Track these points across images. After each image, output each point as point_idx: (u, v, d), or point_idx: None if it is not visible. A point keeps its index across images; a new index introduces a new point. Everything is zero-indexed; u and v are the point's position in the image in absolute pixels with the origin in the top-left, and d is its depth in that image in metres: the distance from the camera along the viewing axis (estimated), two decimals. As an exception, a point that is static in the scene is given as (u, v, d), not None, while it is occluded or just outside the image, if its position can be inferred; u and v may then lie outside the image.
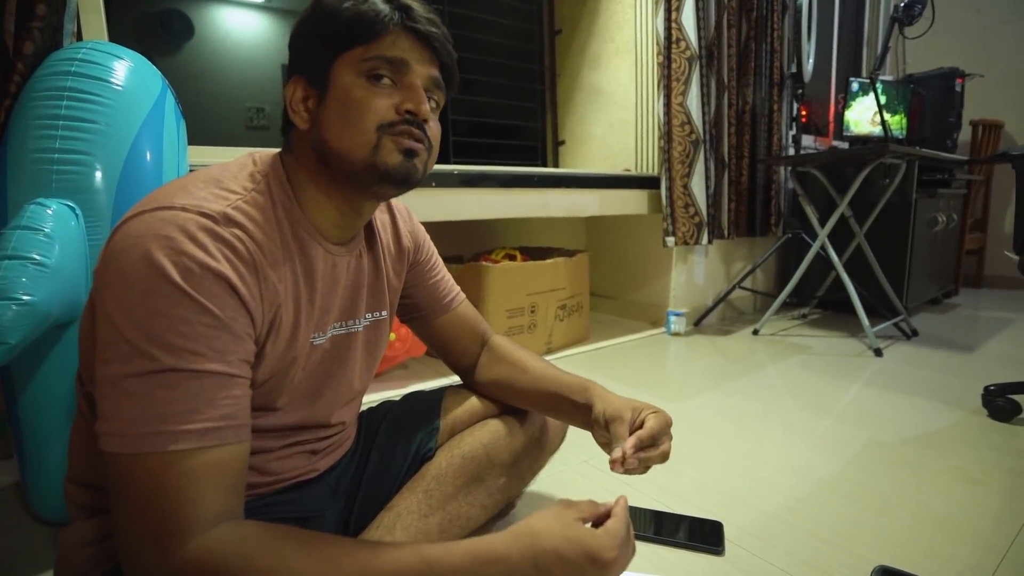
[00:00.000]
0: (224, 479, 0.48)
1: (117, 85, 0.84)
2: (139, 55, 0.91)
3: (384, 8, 0.58)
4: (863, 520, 0.95)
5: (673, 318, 2.22)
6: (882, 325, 2.07)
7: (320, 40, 0.59)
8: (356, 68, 0.58)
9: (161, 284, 0.47)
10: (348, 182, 0.60)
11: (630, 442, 0.68)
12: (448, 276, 0.89)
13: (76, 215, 0.78)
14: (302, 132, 0.61)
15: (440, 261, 0.88)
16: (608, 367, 1.83)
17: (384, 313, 0.76)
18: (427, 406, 0.90)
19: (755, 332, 2.23)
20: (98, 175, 0.80)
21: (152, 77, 0.92)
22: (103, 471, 0.49)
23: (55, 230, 0.74)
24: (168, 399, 0.46)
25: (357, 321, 0.72)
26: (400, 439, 0.85)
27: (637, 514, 0.95)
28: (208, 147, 1.71)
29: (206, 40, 1.98)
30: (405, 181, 0.60)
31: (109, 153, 0.81)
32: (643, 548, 0.88)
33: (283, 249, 0.58)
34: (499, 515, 0.94)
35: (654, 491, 1.04)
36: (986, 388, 1.39)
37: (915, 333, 2.14)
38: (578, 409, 0.81)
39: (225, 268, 0.50)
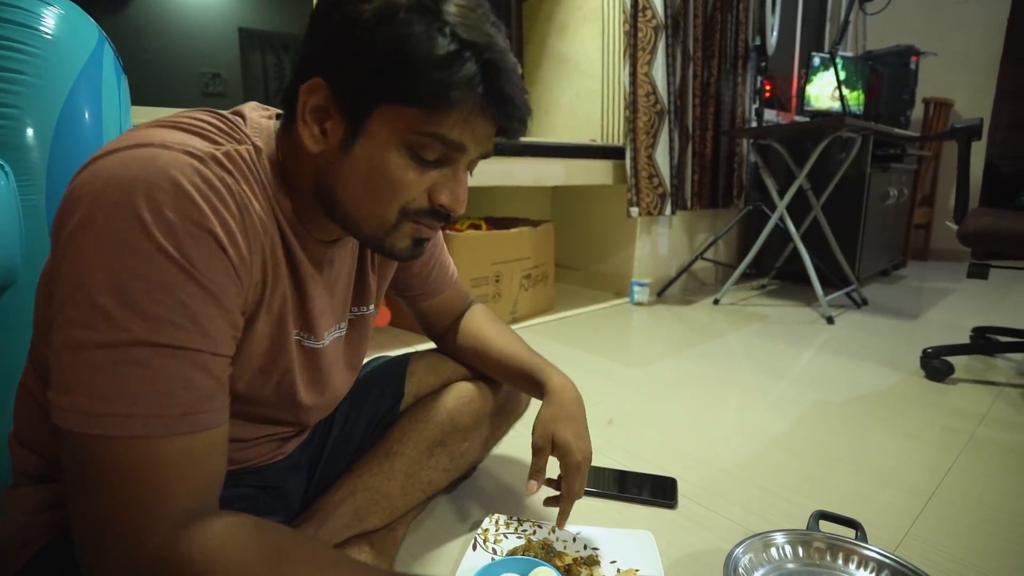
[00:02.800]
0: (199, 468, 0.43)
1: (47, 34, 0.78)
2: (71, 3, 0.85)
3: (469, 71, 0.46)
4: (808, 473, 1.01)
5: (637, 288, 2.26)
6: (835, 294, 2.15)
7: (371, 72, 0.46)
8: (402, 134, 0.48)
9: (139, 239, 0.39)
10: (343, 227, 0.55)
11: (559, 514, 0.75)
12: (446, 260, 0.85)
13: (5, 173, 0.73)
14: (308, 150, 0.50)
15: (441, 245, 0.83)
16: (573, 336, 1.85)
17: (371, 307, 0.72)
18: (393, 371, 0.89)
19: (716, 302, 2.29)
20: (29, 131, 0.75)
21: (87, 27, 0.86)
22: (56, 442, 0.43)
23: (-16, 188, 0.70)
24: (140, 377, 0.40)
25: (342, 324, 0.68)
26: (364, 405, 0.85)
27: (599, 473, 0.98)
28: (159, 108, 1.62)
29: (152, 1, 1.86)
30: (409, 261, 0.58)
31: (40, 107, 0.76)
32: (601, 504, 0.91)
33: (271, 226, 0.51)
34: (462, 476, 0.95)
35: (615, 453, 1.07)
36: (924, 351, 1.47)
37: (865, 302, 2.24)
38: (534, 389, 0.81)
39: (214, 223, 0.43)
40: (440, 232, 0.83)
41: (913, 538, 0.82)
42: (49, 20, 0.79)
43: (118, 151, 0.42)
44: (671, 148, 2.23)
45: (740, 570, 0.65)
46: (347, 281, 0.67)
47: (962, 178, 1.40)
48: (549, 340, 1.80)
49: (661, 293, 2.42)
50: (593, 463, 1.00)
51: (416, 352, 0.92)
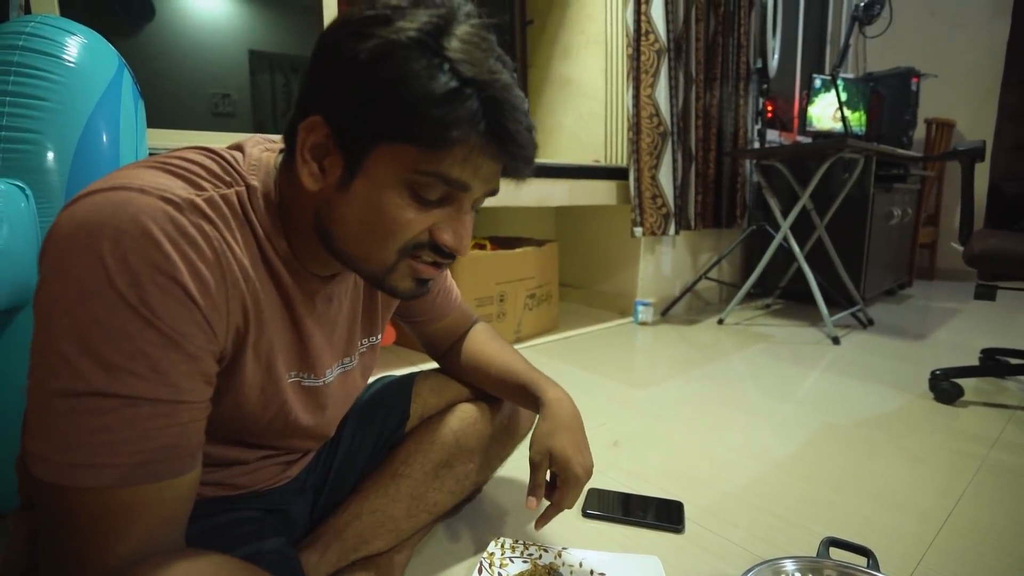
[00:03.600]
0: (155, 516, 0.43)
1: (69, 62, 0.80)
2: (93, 32, 0.88)
3: (470, 108, 0.44)
4: (816, 497, 1.00)
5: (641, 308, 2.26)
6: (840, 315, 2.15)
7: (369, 110, 0.45)
8: (402, 173, 0.47)
9: (102, 287, 0.39)
10: (343, 265, 0.54)
11: (539, 517, 0.75)
12: (449, 285, 0.85)
13: (26, 195, 0.75)
14: (307, 188, 0.49)
15: (447, 271, 0.82)
16: (577, 356, 1.85)
17: (379, 336, 0.72)
18: (398, 393, 0.89)
19: (720, 321, 2.29)
20: (50, 155, 0.78)
21: (107, 55, 0.88)
22: None
23: (3, 210, 0.71)
24: (97, 427, 0.39)
25: (356, 354, 0.68)
26: (370, 426, 0.85)
27: (604, 496, 0.97)
28: (170, 131, 1.66)
29: (167, 22, 1.91)
30: (412, 300, 0.58)
31: (61, 132, 0.78)
32: (607, 527, 0.90)
33: (259, 270, 0.51)
34: (466, 499, 0.95)
35: (620, 475, 1.07)
36: (932, 373, 1.46)
37: (871, 322, 2.23)
38: (532, 404, 0.80)
39: (181, 272, 0.42)
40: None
41: (927, 567, 0.81)
42: (72, 49, 0.82)
43: (96, 193, 0.42)
44: (674, 169, 2.25)
45: (749, 598, 0.65)
46: (352, 316, 0.66)
47: (966, 200, 1.41)
48: (553, 360, 1.80)
49: (665, 313, 2.41)
50: (599, 486, 1.00)
51: (421, 372, 0.92)
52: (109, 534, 0.41)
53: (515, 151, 0.48)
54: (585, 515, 0.93)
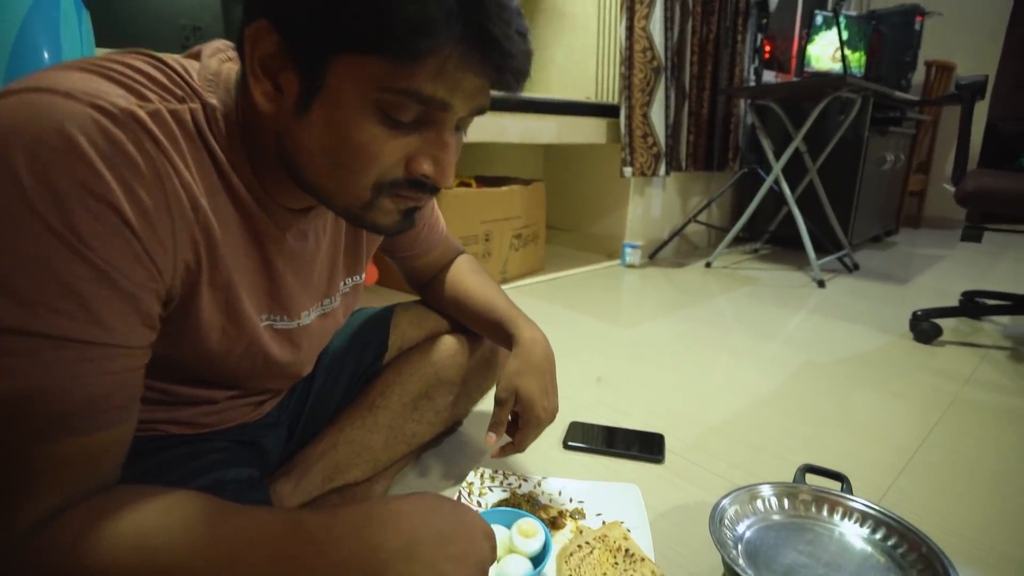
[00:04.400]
0: (78, 473, 0.38)
1: (-5, -45, 0.72)
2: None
3: (443, 6, 0.37)
4: (795, 430, 1.01)
5: (628, 250, 2.23)
6: (827, 259, 2.14)
7: (323, 12, 0.37)
8: (369, 92, 0.39)
9: (17, 209, 0.32)
10: (316, 199, 0.48)
11: (496, 448, 0.74)
12: (435, 218, 0.80)
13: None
14: (261, 109, 0.42)
15: (431, 203, 0.77)
16: (563, 296, 1.83)
17: (362, 275, 0.68)
18: (376, 324, 0.87)
19: (708, 265, 2.28)
20: (-20, 62, 0.70)
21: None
22: None
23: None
24: (12, 370, 0.33)
25: (337, 295, 0.64)
26: (347, 359, 0.82)
27: (585, 429, 0.97)
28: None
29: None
30: (398, 235, 0.52)
31: (-9, 36, 0.71)
32: (589, 459, 0.90)
33: (218, 201, 0.44)
34: (446, 431, 0.94)
35: (603, 410, 1.07)
36: (913, 313, 1.46)
37: (856, 267, 2.24)
38: (506, 341, 0.78)
39: (117, 195, 0.35)
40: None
41: (896, 491, 0.83)
42: (-5, -62, 0.73)
43: (10, 94, 0.34)
44: (667, 107, 2.17)
45: (726, 522, 0.65)
46: (332, 254, 0.61)
47: (963, 137, 1.37)
48: (539, 300, 1.78)
49: (653, 256, 2.39)
50: (581, 420, 1.00)
51: (400, 304, 0.89)
52: (22, 493, 0.36)
53: (502, 61, 0.40)
54: (566, 447, 0.93)
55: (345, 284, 0.66)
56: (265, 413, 0.71)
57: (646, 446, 0.92)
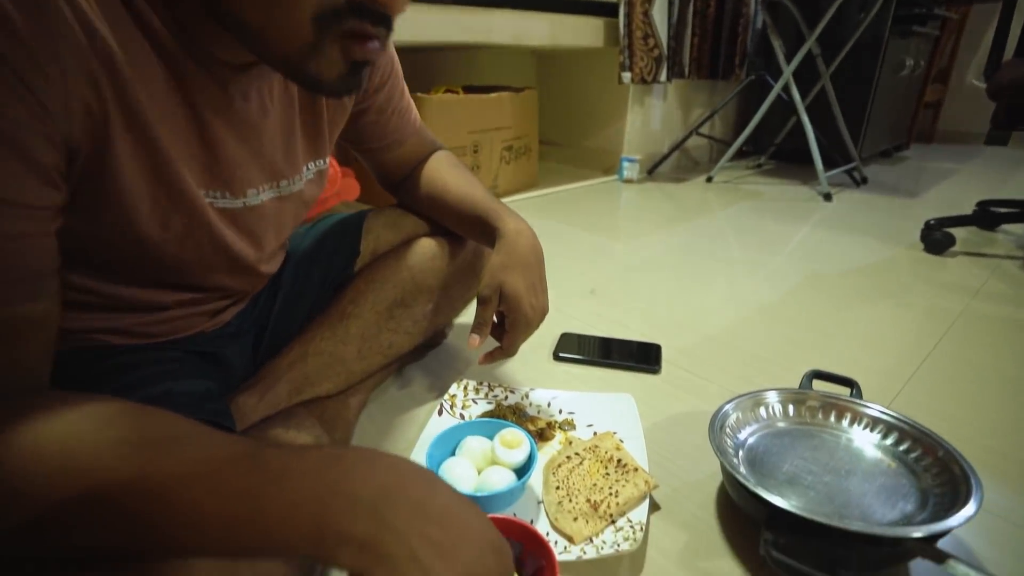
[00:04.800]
0: None
1: None
2: None
3: None
4: (798, 339, 0.95)
5: (626, 164, 2.11)
6: (834, 171, 2.03)
7: None
8: None
9: None
10: (249, 49, 0.40)
11: (481, 352, 0.69)
12: (406, 105, 0.71)
13: None
14: None
15: (400, 88, 0.69)
16: (556, 211, 1.74)
17: (326, 161, 0.61)
18: (346, 228, 0.79)
19: (709, 179, 2.17)
20: None
21: None
22: None
23: None
24: None
25: (297, 178, 0.57)
26: (315, 266, 0.75)
27: (576, 340, 0.92)
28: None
29: None
30: (343, 95, 0.43)
31: None
32: (581, 371, 0.85)
33: (128, 37, 0.37)
34: (429, 344, 0.89)
35: (596, 321, 1.01)
36: (926, 223, 1.38)
37: (864, 180, 2.13)
38: (488, 238, 0.70)
39: None
40: (396, 67, 0.68)
41: (905, 398, 0.78)
42: None
43: None
44: (670, 4, 1.98)
45: (727, 428, 0.60)
46: (287, 128, 0.53)
47: (1003, 25, 1.23)
48: (531, 215, 1.66)
49: (652, 171, 2.27)
50: (575, 331, 0.95)
51: (373, 209, 0.81)
52: None
53: None
54: (556, 358, 0.88)
55: (308, 169, 0.58)
56: (225, 322, 0.64)
57: (642, 356, 0.87)
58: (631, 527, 0.54)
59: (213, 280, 0.57)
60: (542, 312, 0.66)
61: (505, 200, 1.83)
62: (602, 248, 1.43)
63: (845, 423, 0.62)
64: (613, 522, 0.55)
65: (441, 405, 0.73)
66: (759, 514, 0.50)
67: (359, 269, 0.77)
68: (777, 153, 2.49)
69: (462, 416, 0.73)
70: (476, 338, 0.65)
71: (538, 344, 0.92)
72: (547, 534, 0.55)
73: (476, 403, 0.75)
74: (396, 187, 0.80)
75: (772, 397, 0.64)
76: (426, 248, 0.77)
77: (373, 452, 0.34)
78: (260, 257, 0.59)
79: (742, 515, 0.57)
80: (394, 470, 0.33)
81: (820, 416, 0.63)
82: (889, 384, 0.82)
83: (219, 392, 0.63)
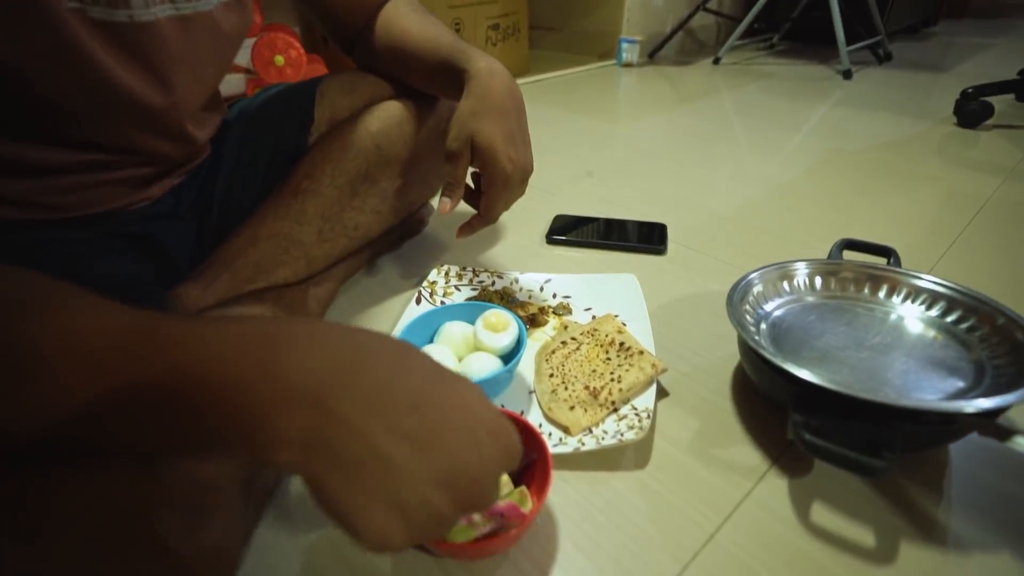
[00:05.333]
0: None
1: None
2: None
3: None
4: (818, 216, 0.85)
5: (625, 46, 1.91)
6: (856, 46, 1.83)
7: None
8: None
9: None
10: None
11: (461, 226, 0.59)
12: None
13: None
14: None
15: None
16: (551, 98, 1.57)
17: None
18: (295, 93, 0.67)
19: (716, 61, 1.97)
20: None
21: None
22: None
23: None
24: None
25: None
26: (261, 137, 0.63)
27: (572, 221, 0.81)
28: None
29: None
30: None
31: None
32: (577, 253, 0.76)
33: None
34: (404, 230, 0.78)
35: (594, 203, 0.90)
36: (962, 92, 1.24)
37: (889, 56, 1.93)
38: (455, 84, 0.57)
39: None
40: None
41: (943, 268, 0.70)
42: None
43: None
44: None
45: (749, 302, 0.51)
46: None
47: None
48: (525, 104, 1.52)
49: (653, 54, 2.06)
50: (572, 213, 0.84)
51: (328, 74, 0.68)
52: None
53: None
54: (550, 241, 0.78)
55: None
56: (155, 199, 0.54)
57: (645, 236, 0.77)
58: (636, 415, 0.47)
59: (120, 136, 0.47)
60: (523, 168, 0.55)
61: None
62: (600, 132, 1.29)
63: (882, 294, 0.53)
64: (615, 410, 0.48)
65: (419, 293, 0.65)
66: (786, 394, 0.42)
67: (314, 140, 0.65)
68: (792, 32, 2.26)
69: (443, 304, 0.64)
70: (447, 202, 0.55)
71: (530, 227, 0.82)
72: (539, 426, 0.48)
73: (459, 290, 0.67)
74: (352, 44, 0.67)
75: (801, 268, 0.55)
76: (391, 112, 0.65)
77: (323, 324, 0.26)
78: (172, 104, 0.47)
79: (763, 399, 0.50)
80: (349, 344, 0.25)
81: (853, 289, 0.55)
82: (923, 259, 0.73)
83: (155, 284, 0.54)
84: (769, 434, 0.47)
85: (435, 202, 0.79)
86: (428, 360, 0.27)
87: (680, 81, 1.77)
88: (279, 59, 1.35)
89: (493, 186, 0.54)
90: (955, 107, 1.25)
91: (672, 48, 2.12)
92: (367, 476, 0.22)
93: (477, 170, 0.56)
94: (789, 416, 0.41)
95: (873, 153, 1.11)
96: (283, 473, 0.45)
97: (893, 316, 0.52)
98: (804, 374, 0.40)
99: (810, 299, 0.54)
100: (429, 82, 0.63)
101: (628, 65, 1.93)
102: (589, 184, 0.97)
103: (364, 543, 0.22)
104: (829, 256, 0.58)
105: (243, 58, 1.38)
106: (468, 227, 0.59)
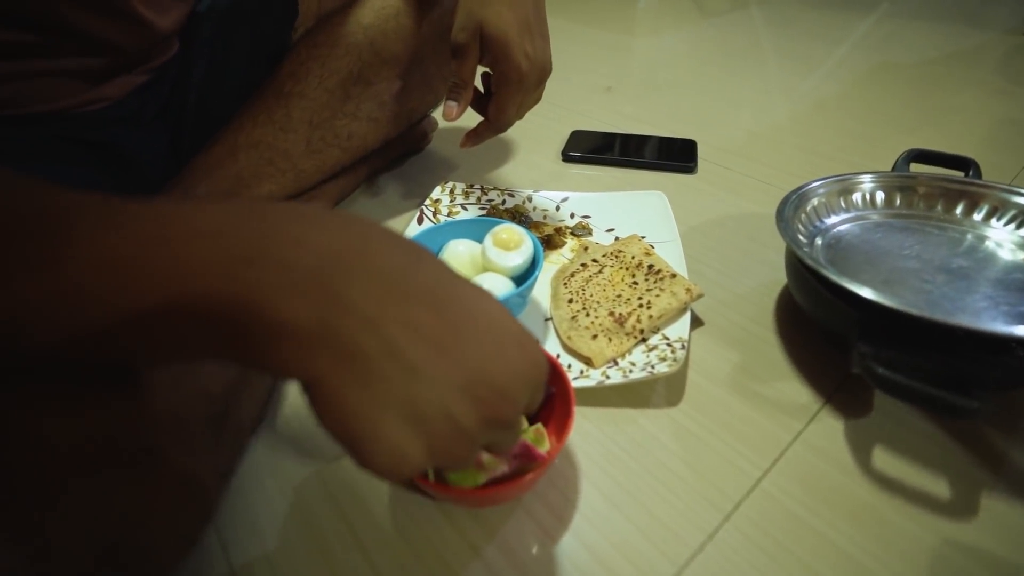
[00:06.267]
0: None
1: None
2: None
3: None
4: (867, 132, 0.76)
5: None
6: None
7: None
8: None
9: None
10: None
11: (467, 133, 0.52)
12: None
13: None
14: None
15: None
16: (562, 10, 1.42)
17: None
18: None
19: (749, -30, 1.78)
20: None
21: None
22: None
23: None
24: None
25: None
26: (238, 27, 0.55)
27: (591, 137, 0.73)
28: None
29: None
30: None
31: None
32: (597, 172, 0.68)
33: None
34: (406, 145, 0.70)
35: (615, 118, 0.81)
36: (1037, -5, 1.10)
37: (942, -37, 1.73)
38: None
39: None
40: None
41: None
42: None
43: None
44: None
45: (799, 223, 0.44)
46: None
47: None
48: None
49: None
50: (589, 128, 0.76)
51: None
52: None
53: None
54: (566, 158, 0.70)
55: None
56: (115, 99, 0.47)
57: (673, 152, 0.69)
58: (668, 345, 0.41)
59: (60, 12, 0.39)
60: (541, 66, 0.47)
61: None
62: (618, 45, 1.17)
63: (959, 211, 0.46)
64: (644, 340, 0.42)
65: (421, 212, 0.58)
66: (848, 321, 0.36)
67: (300, 36, 0.57)
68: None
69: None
70: (453, 106, 0.47)
71: (544, 142, 0.73)
72: (558, 356, 0.42)
73: (466, 209, 0.59)
74: None
75: (867, 182, 0.47)
76: (387, 3, 0.56)
77: (322, 207, 0.23)
78: None
79: (813, 328, 0.44)
80: (354, 226, 0.21)
81: (923, 206, 0.47)
82: (1002, 174, 0.64)
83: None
84: (820, 368, 0.41)
85: (438, 113, 0.71)
86: (439, 260, 0.22)
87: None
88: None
89: (505, 86, 0.46)
90: (1024, 14, 1.11)
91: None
92: (379, 378, 0.19)
93: (487, 69, 0.48)
94: (852, 347, 0.34)
95: (931, 66, 0.99)
96: (279, 381, 0.40)
97: (977, 236, 0.44)
98: (873, 296, 0.34)
99: (874, 217, 0.47)
100: None
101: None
102: (609, 99, 0.87)
103: (374, 464, 0.19)
104: (894, 169, 0.50)
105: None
106: (474, 135, 0.51)
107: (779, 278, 0.48)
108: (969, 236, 0.44)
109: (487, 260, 0.43)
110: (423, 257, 0.21)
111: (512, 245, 0.43)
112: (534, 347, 0.23)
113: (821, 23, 1.28)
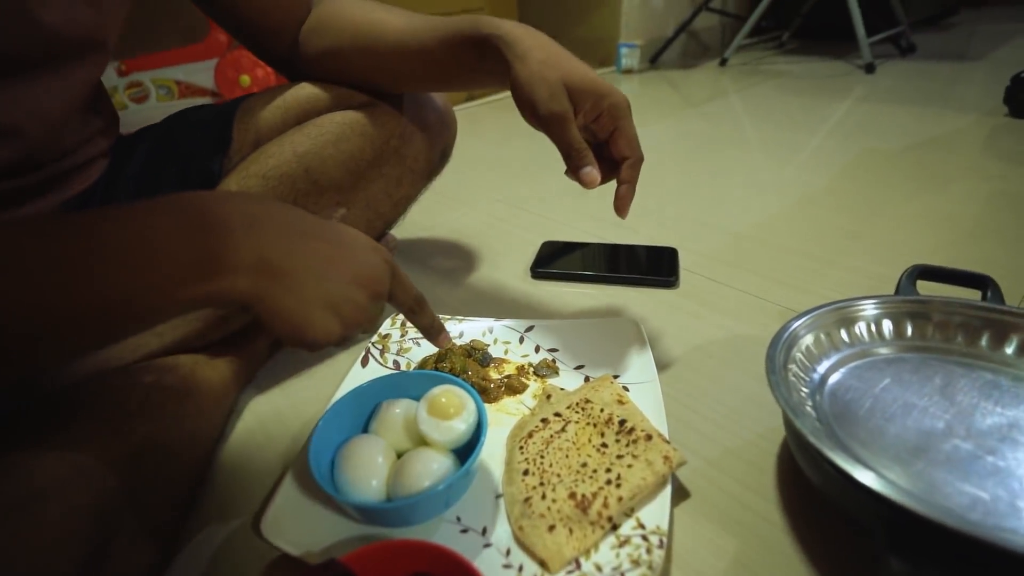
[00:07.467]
0: None
1: None
2: None
3: None
4: (862, 232, 0.70)
5: (624, 51, 1.78)
6: (877, 37, 1.68)
7: None
8: None
9: None
10: None
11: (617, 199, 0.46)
12: None
13: None
14: None
15: None
16: (543, 109, 1.44)
17: None
18: (210, 115, 0.55)
19: (723, 62, 1.83)
20: None
21: None
22: None
23: None
24: None
25: None
26: (169, 160, 0.51)
27: (562, 249, 0.68)
28: None
29: None
30: None
31: None
32: (568, 291, 0.62)
33: None
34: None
35: (589, 225, 0.76)
36: (1014, 77, 1.09)
37: (912, 48, 1.78)
38: (480, 59, 0.45)
39: None
40: None
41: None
42: None
43: None
44: None
45: (796, 361, 0.37)
46: None
47: None
48: (510, 114, 1.39)
49: (655, 59, 1.93)
50: (563, 238, 0.71)
51: (260, 91, 0.57)
52: None
53: None
54: (535, 275, 0.64)
55: None
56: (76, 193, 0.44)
57: (652, 265, 0.63)
58: (643, 538, 0.32)
59: None
60: (625, 97, 0.43)
61: (480, 101, 1.53)
62: (598, 142, 1.16)
63: (985, 343, 0.38)
64: (614, 529, 0.33)
65: (367, 351, 0.51)
66: (870, 515, 0.28)
67: (232, 165, 0.53)
68: (803, 30, 2.12)
69: (396, 365, 0.51)
70: (591, 169, 0.42)
71: (510, 257, 0.68)
72: (507, 554, 0.33)
73: (419, 344, 0.53)
74: (287, 58, 0.55)
75: (870, 309, 0.41)
76: (325, 128, 0.52)
77: (224, 191, 0.37)
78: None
79: (827, 503, 0.35)
80: (253, 200, 0.31)
81: (939, 337, 0.40)
82: (1016, 286, 0.57)
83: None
84: (841, 559, 0.32)
85: (395, 231, 0.67)
86: (314, 216, 0.32)
87: (685, 85, 1.64)
88: (245, 79, 1.24)
89: (621, 116, 0.42)
90: (1006, 95, 1.10)
91: (675, 52, 1.99)
92: (300, 286, 0.29)
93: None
94: (879, 556, 0.26)
95: (914, 152, 0.96)
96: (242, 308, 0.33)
97: (1008, 379, 0.36)
98: (906, 501, 0.25)
99: (883, 351, 0.39)
100: (432, 71, 0.50)
101: (628, 71, 1.80)
102: (582, 201, 0.83)
103: (309, 341, 0.29)
104: (898, 290, 0.44)
105: (207, 80, 1.28)
106: (623, 196, 0.45)
107: (777, 424, 0.40)
108: (1004, 378, 0.36)
109: (422, 433, 0.36)
110: (301, 212, 0.32)
111: (452, 412, 0.36)
112: (381, 248, 0.35)
113: (799, 110, 1.28)
